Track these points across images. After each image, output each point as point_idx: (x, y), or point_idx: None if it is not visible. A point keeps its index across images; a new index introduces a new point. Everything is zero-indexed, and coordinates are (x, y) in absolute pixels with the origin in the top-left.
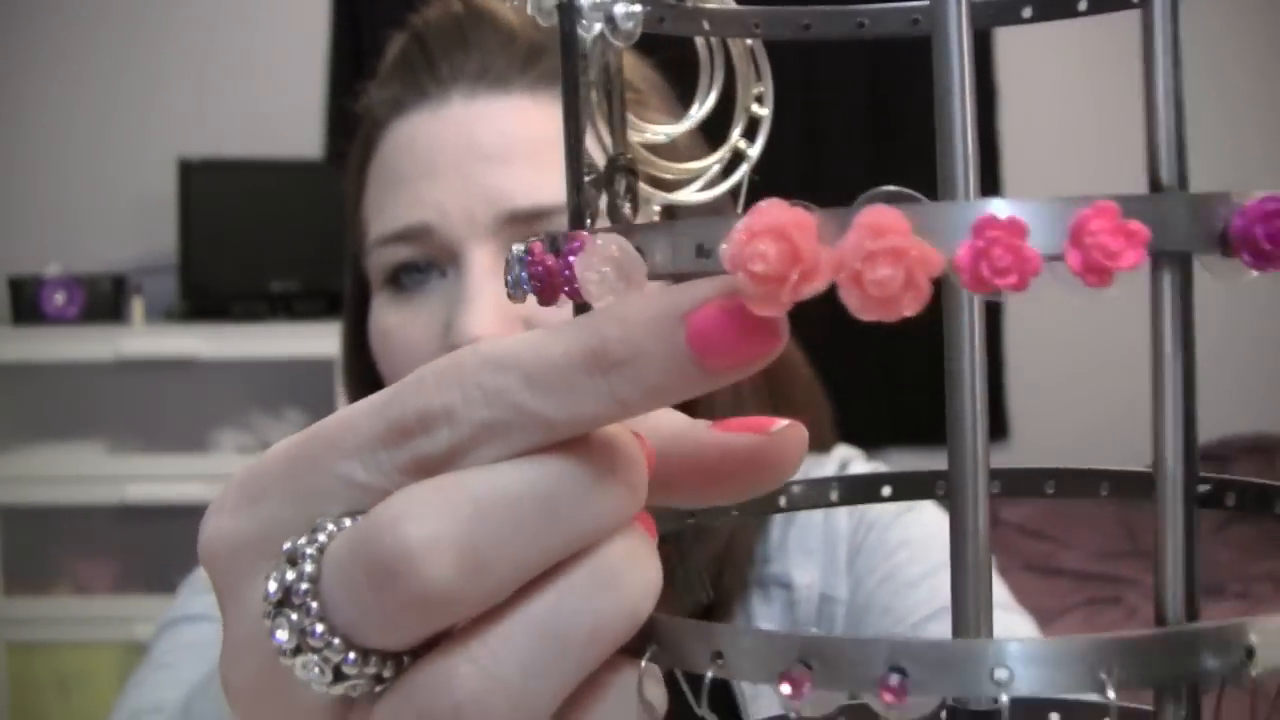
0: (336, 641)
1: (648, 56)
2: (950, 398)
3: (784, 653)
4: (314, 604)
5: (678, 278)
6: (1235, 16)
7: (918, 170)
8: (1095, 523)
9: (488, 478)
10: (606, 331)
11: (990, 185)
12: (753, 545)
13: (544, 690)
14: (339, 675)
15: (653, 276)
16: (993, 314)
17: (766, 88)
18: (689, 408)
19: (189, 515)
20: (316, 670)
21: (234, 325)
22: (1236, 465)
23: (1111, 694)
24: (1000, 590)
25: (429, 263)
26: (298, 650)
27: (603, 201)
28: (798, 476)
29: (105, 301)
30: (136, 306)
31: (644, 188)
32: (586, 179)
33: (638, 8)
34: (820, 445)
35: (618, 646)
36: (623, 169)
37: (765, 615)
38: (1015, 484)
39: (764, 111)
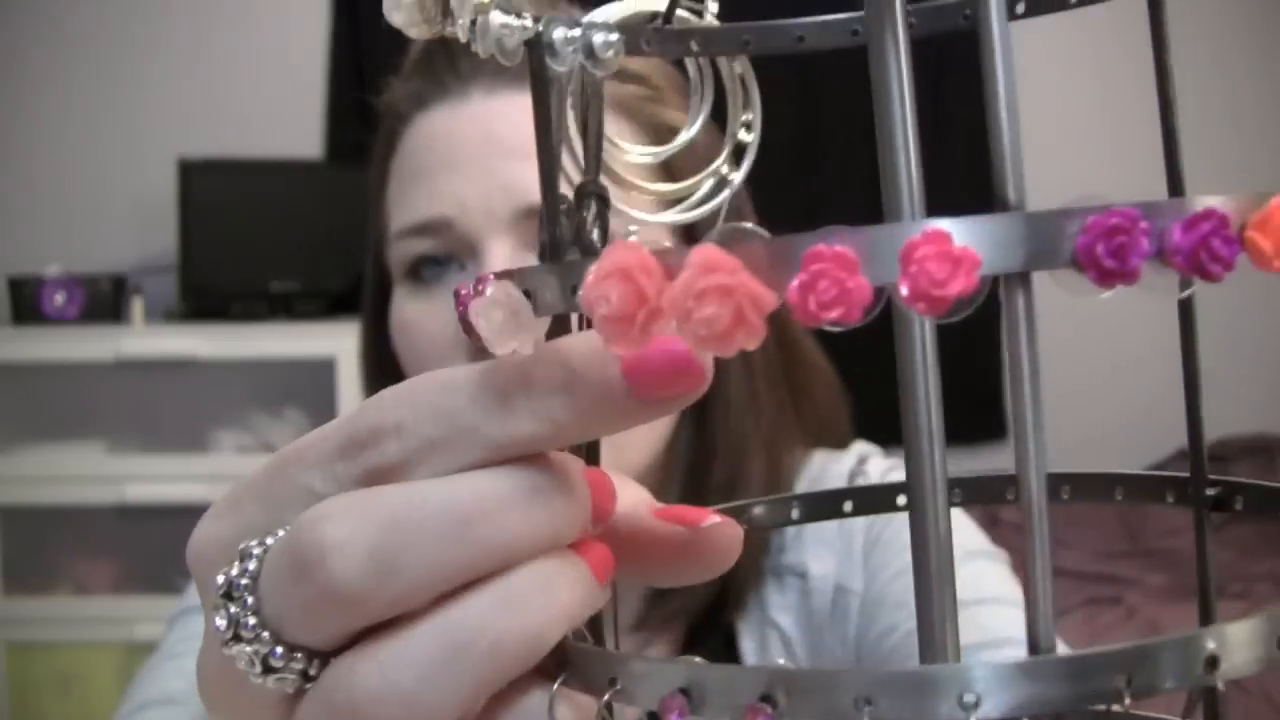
0: (266, 634)
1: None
2: (905, 410)
3: (671, 680)
4: (250, 598)
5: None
6: (1239, 17)
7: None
8: (1095, 523)
9: (409, 490)
10: (548, 359)
11: (990, 187)
12: (769, 534)
13: (439, 701)
14: (268, 667)
15: (545, 314)
16: (991, 316)
17: (755, 115)
18: (705, 404)
19: (189, 515)
20: (246, 661)
21: (234, 325)
22: (1236, 465)
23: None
24: (1017, 589)
25: (448, 255)
26: (235, 639)
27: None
28: (814, 469)
29: (105, 302)
30: (136, 307)
31: (624, 209)
32: (561, 209)
33: (616, 36)
34: (837, 442)
35: (521, 668)
36: (592, 195)
37: (780, 605)
38: (978, 492)
39: (750, 138)
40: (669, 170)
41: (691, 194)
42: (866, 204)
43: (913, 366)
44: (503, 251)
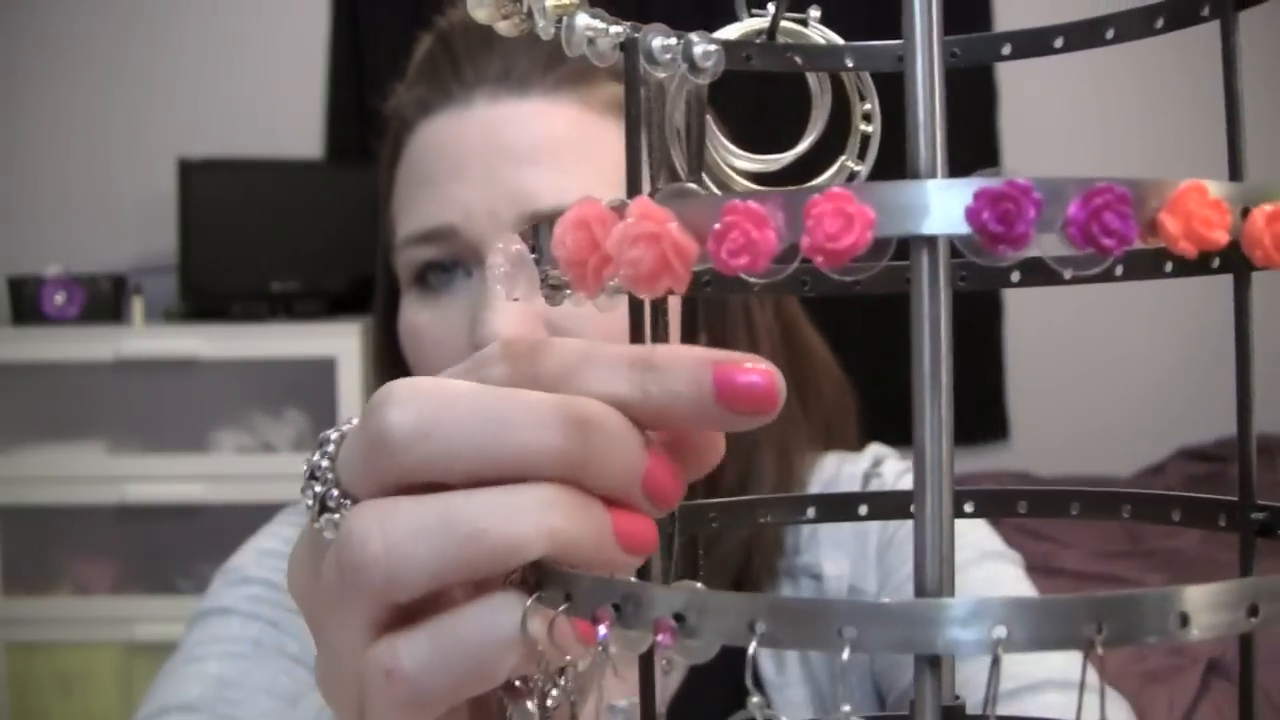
0: (331, 475)
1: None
2: (916, 413)
3: (668, 604)
4: (330, 475)
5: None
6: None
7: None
8: (1095, 523)
9: (476, 388)
10: (660, 348)
11: None
12: (782, 535)
13: (414, 557)
14: (325, 507)
15: (546, 264)
16: (993, 315)
17: (873, 104)
18: None
19: (189, 515)
20: (311, 496)
21: (234, 325)
22: (1236, 466)
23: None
24: (1031, 591)
25: (455, 262)
26: (312, 476)
27: None
28: (828, 471)
29: (105, 302)
30: (136, 307)
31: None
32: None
33: (715, 47)
34: (846, 444)
35: (492, 565)
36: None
37: None
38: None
39: (871, 129)
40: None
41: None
42: None
43: (922, 369)
44: None
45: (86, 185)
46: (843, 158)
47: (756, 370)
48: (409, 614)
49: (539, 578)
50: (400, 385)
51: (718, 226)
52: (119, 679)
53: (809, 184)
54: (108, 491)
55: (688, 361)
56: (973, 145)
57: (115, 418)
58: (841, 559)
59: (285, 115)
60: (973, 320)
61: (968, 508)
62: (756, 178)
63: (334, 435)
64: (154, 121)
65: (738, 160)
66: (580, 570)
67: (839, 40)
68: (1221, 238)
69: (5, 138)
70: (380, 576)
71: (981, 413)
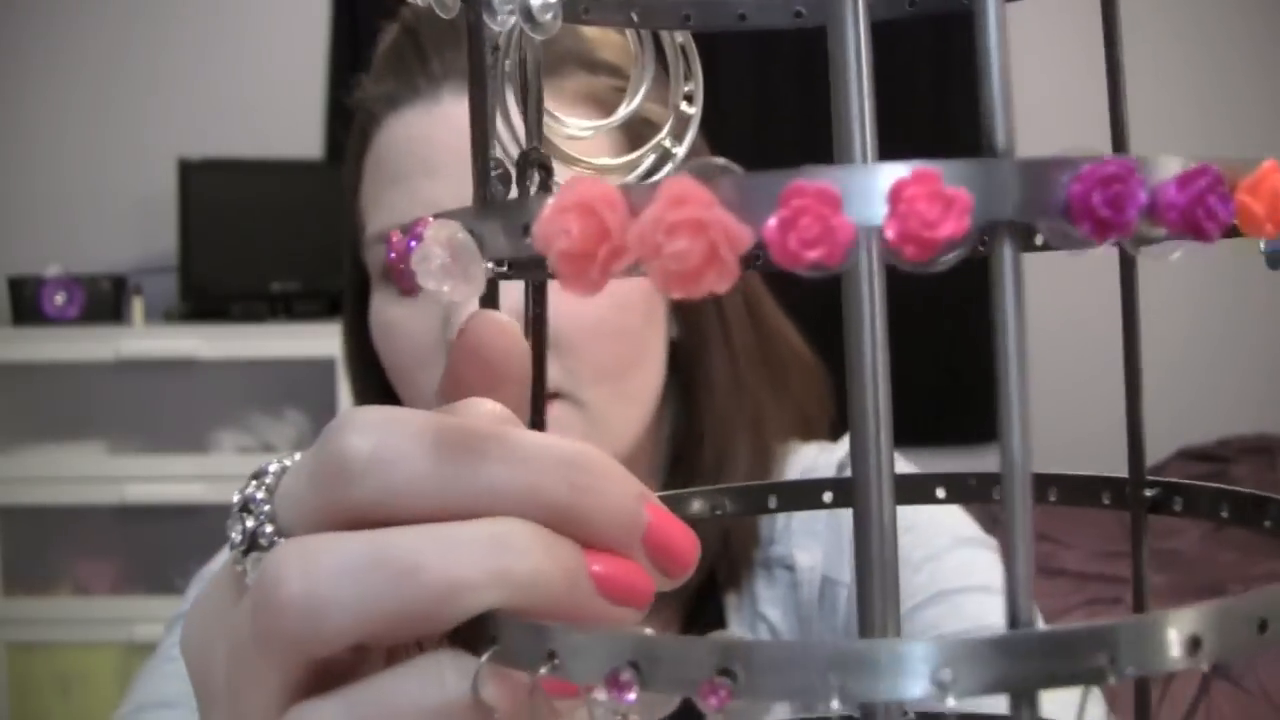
0: (267, 508)
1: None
2: (852, 393)
3: (616, 653)
4: (267, 507)
5: (515, 262)
6: (1231, 12)
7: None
8: (1096, 522)
9: (440, 420)
10: (596, 465)
11: None
12: (756, 526)
13: (340, 598)
14: (254, 544)
15: (492, 257)
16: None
17: (696, 86)
18: (690, 388)
19: (189, 516)
20: (240, 531)
21: (234, 326)
22: (1237, 466)
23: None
24: (998, 574)
25: None
26: (244, 508)
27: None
28: (806, 461)
29: (105, 302)
30: (136, 307)
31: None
32: (494, 173)
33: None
34: (826, 433)
35: (430, 610)
36: (535, 164)
37: (769, 597)
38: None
39: (692, 110)
40: (631, 144)
41: (635, 169)
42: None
43: (862, 344)
44: None
45: (87, 185)
46: (659, 136)
47: (686, 538)
48: (336, 676)
49: (492, 631)
50: (362, 410)
51: (784, 212)
52: (119, 679)
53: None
54: (108, 492)
55: (624, 496)
56: (973, 148)
57: (115, 418)
58: (814, 549)
59: (285, 116)
60: (970, 320)
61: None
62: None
63: (273, 467)
64: (154, 122)
65: (567, 128)
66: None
67: None
68: None
69: (5, 138)
70: (296, 622)
71: (981, 413)
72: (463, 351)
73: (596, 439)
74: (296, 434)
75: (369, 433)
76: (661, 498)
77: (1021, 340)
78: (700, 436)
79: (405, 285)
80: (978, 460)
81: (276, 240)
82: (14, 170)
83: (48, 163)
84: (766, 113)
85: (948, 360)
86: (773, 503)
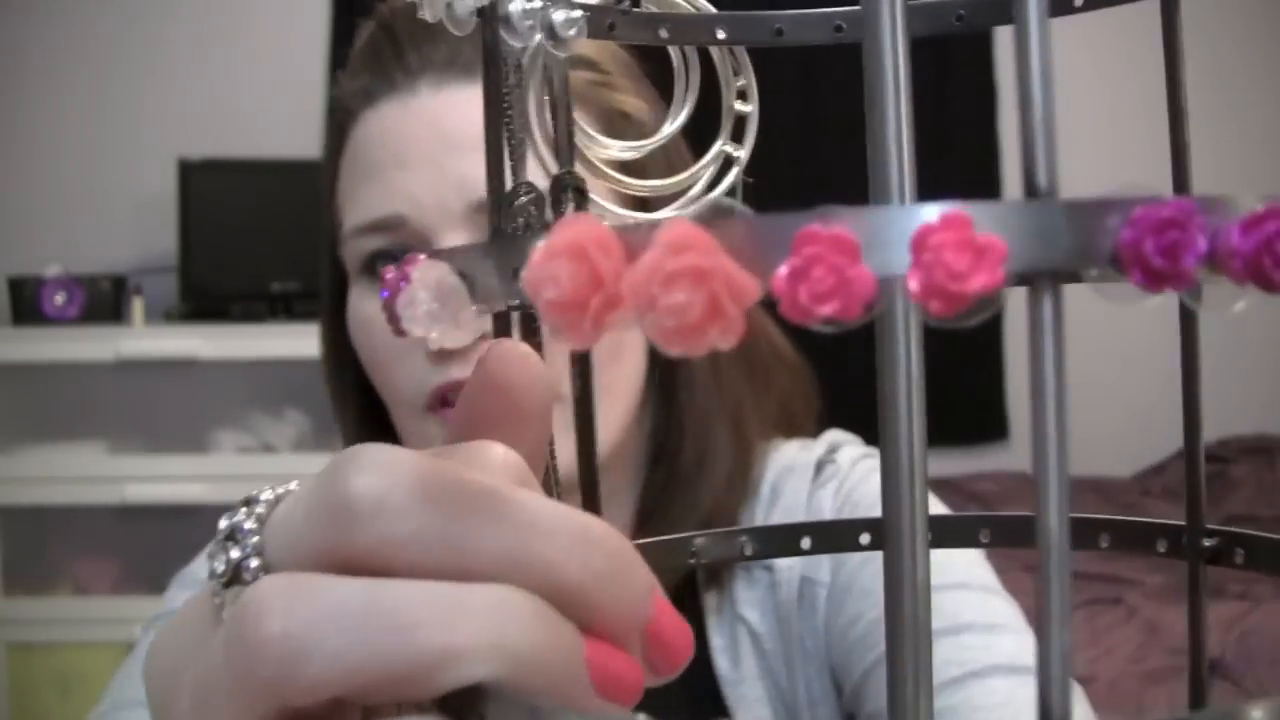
0: (255, 540)
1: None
2: (884, 459)
3: None
4: (255, 539)
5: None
6: (1239, 13)
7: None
8: None
9: (451, 472)
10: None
11: (990, 186)
12: (738, 523)
13: (323, 645)
14: (237, 577)
15: (484, 302)
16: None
17: (749, 81)
18: (670, 384)
19: (189, 515)
20: (223, 562)
21: (234, 326)
22: (1236, 465)
23: None
24: (985, 574)
25: (404, 252)
26: (230, 537)
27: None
28: (786, 458)
29: (105, 302)
30: (136, 307)
31: (612, 208)
32: (525, 198)
33: (579, 14)
34: (809, 432)
35: (419, 676)
36: (569, 187)
37: (748, 599)
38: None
39: (748, 108)
40: (625, 167)
41: (692, 185)
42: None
43: (896, 388)
44: None
45: (86, 186)
46: (718, 142)
47: (685, 638)
48: None
49: (481, 708)
50: (373, 449)
51: (796, 261)
52: None
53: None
54: (108, 492)
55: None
56: (973, 148)
57: (115, 418)
58: None
59: (285, 116)
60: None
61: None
62: (625, 167)
63: (266, 495)
64: (154, 122)
65: (603, 150)
66: (541, 707)
67: (711, 9)
68: None
69: (6, 138)
70: (273, 665)
71: (981, 413)
72: (482, 384)
73: (577, 431)
74: (296, 434)
75: (380, 475)
76: (688, 536)
77: (1062, 405)
78: (681, 434)
79: (395, 328)
80: (978, 461)
81: (276, 240)
82: (14, 170)
83: (48, 163)
84: (812, 131)
85: (948, 358)
86: (806, 544)
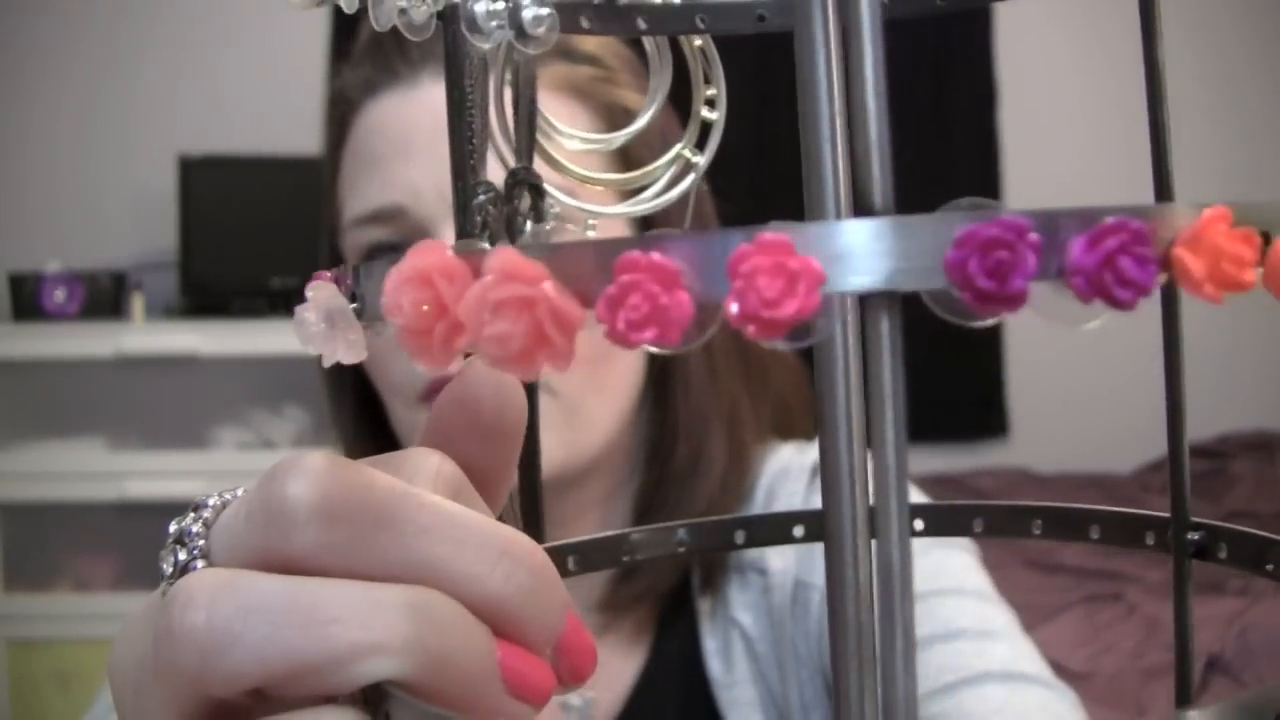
0: (201, 543)
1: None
2: (825, 452)
3: None
4: (201, 543)
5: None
6: (1237, 13)
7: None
8: None
9: (398, 484)
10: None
11: (990, 186)
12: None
13: (243, 636)
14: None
15: (369, 320)
16: None
17: (719, 90)
18: (666, 384)
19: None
20: (171, 563)
21: (234, 322)
22: (1236, 462)
23: None
24: (980, 580)
25: (404, 243)
26: (178, 540)
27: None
28: (781, 461)
29: (105, 298)
30: (137, 303)
31: (571, 201)
32: (483, 196)
33: (547, 10)
34: (802, 434)
35: (330, 668)
36: (524, 184)
37: (741, 602)
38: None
39: (714, 116)
40: (626, 157)
41: (652, 182)
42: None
43: (835, 396)
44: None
45: (86, 182)
46: (678, 146)
47: (591, 654)
48: (228, 717)
49: (386, 707)
50: (308, 458)
51: (612, 289)
52: None
53: (742, 228)
54: (108, 488)
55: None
56: (973, 146)
57: (115, 414)
58: (788, 551)
59: (285, 112)
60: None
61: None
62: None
63: (213, 501)
64: (154, 118)
65: (567, 141)
66: (447, 712)
67: None
68: (1251, 278)
69: (6, 134)
70: (194, 653)
71: (981, 409)
72: (452, 400)
73: (573, 428)
74: (296, 430)
75: (315, 483)
76: (674, 525)
77: (900, 421)
78: (675, 434)
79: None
80: (978, 457)
81: (277, 236)
82: (14, 166)
83: (48, 159)
84: (769, 121)
85: (945, 354)
86: (740, 538)
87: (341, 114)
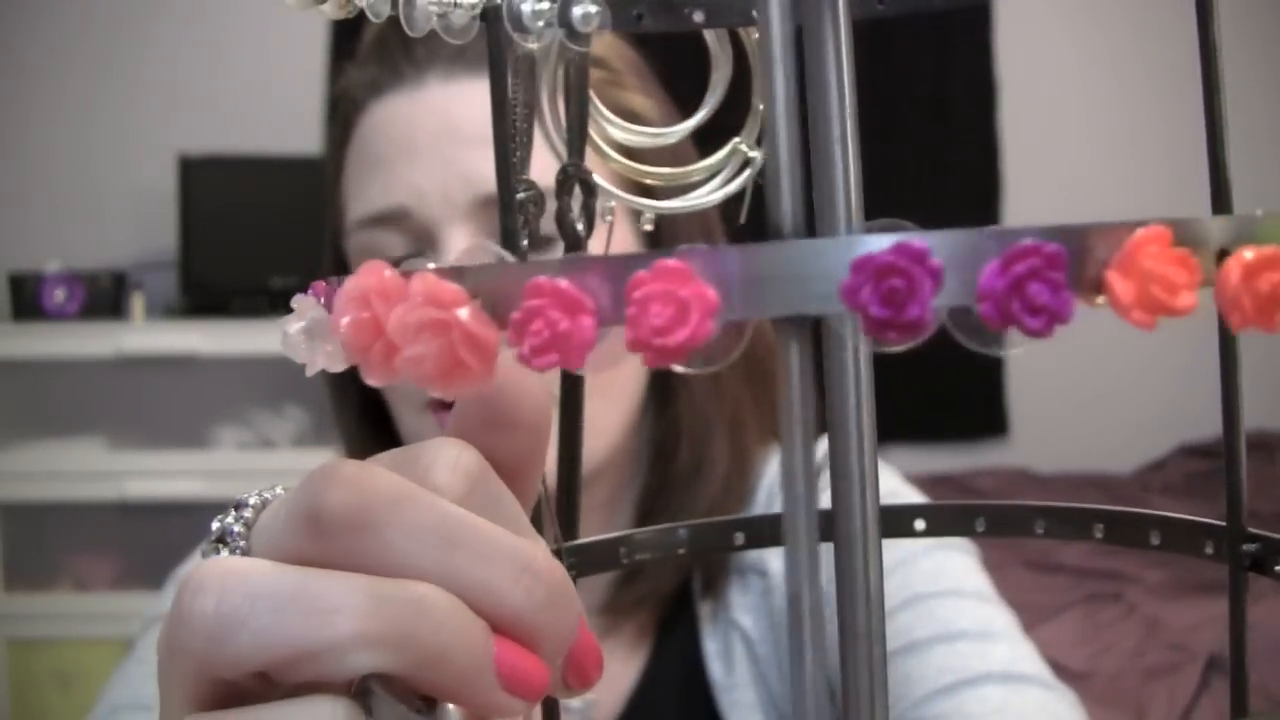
0: (244, 544)
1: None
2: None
3: None
4: (243, 543)
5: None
6: (1238, 18)
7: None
8: None
9: (428, 495)
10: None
11: (990, 186)
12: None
13: (249, 622)
14: (222, 538)
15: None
16: None
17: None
18: (669, 387)
19: (189, 511)
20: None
21: (234, 322)
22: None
23: None
24: (980, 581)
25: (410, 253)
26: (220, 539)
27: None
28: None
29: (105, 298)
30: (137, 303)
31: (625, 197)
32: (523, 195)
33: (596, 8)
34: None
35: (328, 657)
36: (575, 180)
37: (742, 604)
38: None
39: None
40: (630, 156)
41: (712, 176)
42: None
43: (845, 399)
44: (461, 241)
45: (87, 181)
46: (736, 140)
47: (598, 658)
48: (236, 698)
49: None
50: (346, 466)
51: (517, 314)
52: None
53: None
54: (108, 487)
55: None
56: (973, 146)
57: (115, 414)
58: None
59: (285, 112)
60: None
61: (919, 524)
62: (641, 154)
63: (253, 500)
64: (154, 118)
65: (617, 132)
66: (444, 703)
67: None
68: (1187, 303)
69: (6, 134)
70: (201, 636)
71: (981, 409)
72: (471, 394)
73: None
74: (296, 430)
75: (352, 493)
76: (674, 526)
77: (808, 448)
78: (678, 437)
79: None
80: (979, 457)
81: (277, 236)
82: (14, 166)
83: (48, 159)
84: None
85: (946, 354)
86: (740, 539)
87: (345, 114)
